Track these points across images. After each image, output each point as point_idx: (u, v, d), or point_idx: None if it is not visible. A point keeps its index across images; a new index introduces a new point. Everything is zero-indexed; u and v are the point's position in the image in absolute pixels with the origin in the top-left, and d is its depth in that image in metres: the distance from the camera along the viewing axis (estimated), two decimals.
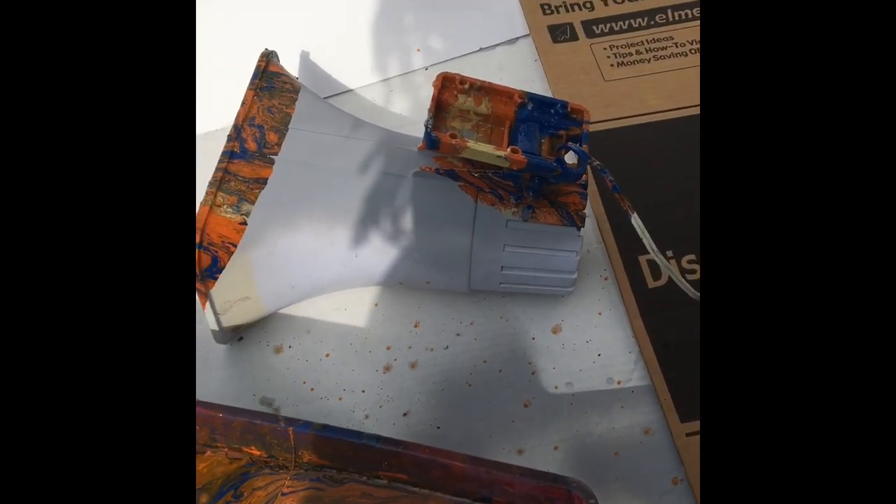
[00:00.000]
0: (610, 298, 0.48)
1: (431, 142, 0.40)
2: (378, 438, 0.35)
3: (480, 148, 0.40)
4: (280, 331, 0.48)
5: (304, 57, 0.59)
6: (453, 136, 0.40)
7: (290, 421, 0.36)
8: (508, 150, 0.40)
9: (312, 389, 0.46)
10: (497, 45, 0.60)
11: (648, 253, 0.47)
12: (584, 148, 0.41)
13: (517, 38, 0.60)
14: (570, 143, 0.41)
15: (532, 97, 0.43)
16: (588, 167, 0.41)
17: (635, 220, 0.40)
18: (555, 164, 0.40)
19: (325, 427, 0.36)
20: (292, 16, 0.59)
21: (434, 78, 0.43)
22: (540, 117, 0.43)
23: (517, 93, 0.43)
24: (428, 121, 0.41)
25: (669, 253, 0.48)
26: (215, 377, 0.46)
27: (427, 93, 0.58)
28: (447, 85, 0.43)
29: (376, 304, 0.49)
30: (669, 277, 0.47)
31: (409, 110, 0.57)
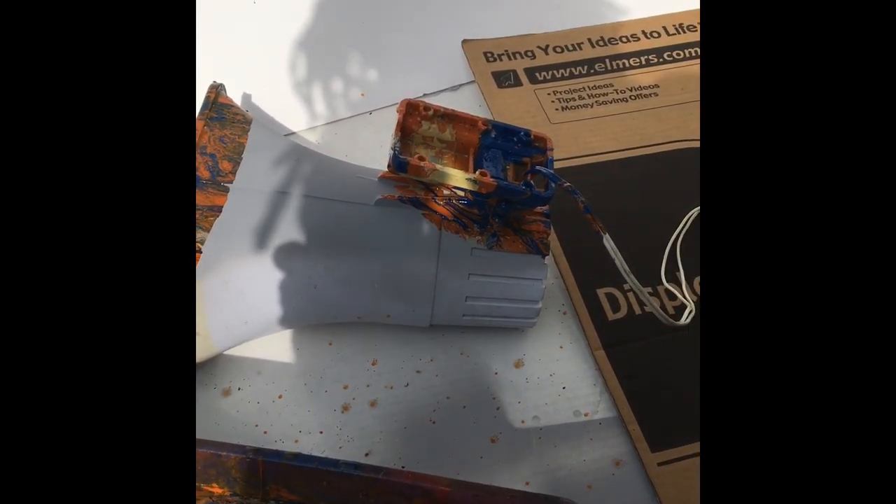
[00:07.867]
0: (570, 332, 0.47)
1: (399, 164, 0.39)
2: (356, 466, 0.33)
3: (449, 171, 0.39)
4: (228, 372, 0.45)
5: (247, 100, 0.57)
6: (421, 159, 0.39)
7: (259, 451, 0.33)
8: (477, 172, 0.39)
9: (266, 433, 0.43)
10: (441, 91, 0.60)
11: (607, 286, 0.48)
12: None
13: (460, 85, 0.61)
14: (538, 167, 0.41)
15: (496, 125, 0.43)
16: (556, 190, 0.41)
17: (607, 242, 0.39)
18: (523, 187, 0.40)
19: (297, 456, 0.33)
20: (234, 59, 0.58)
21: (394, 111, 0.42)
22: (503, 145, 0.43)
23: (481, 120, 0.43)
24: (395, 143, 0.40)
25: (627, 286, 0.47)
26: None
27: (372, 137, 0.58)
28: (411, 111, 0.42)
29: (330, 343, 0.46)
30: (629, 309, 0.47)
31: (354, 153, 0.56)
